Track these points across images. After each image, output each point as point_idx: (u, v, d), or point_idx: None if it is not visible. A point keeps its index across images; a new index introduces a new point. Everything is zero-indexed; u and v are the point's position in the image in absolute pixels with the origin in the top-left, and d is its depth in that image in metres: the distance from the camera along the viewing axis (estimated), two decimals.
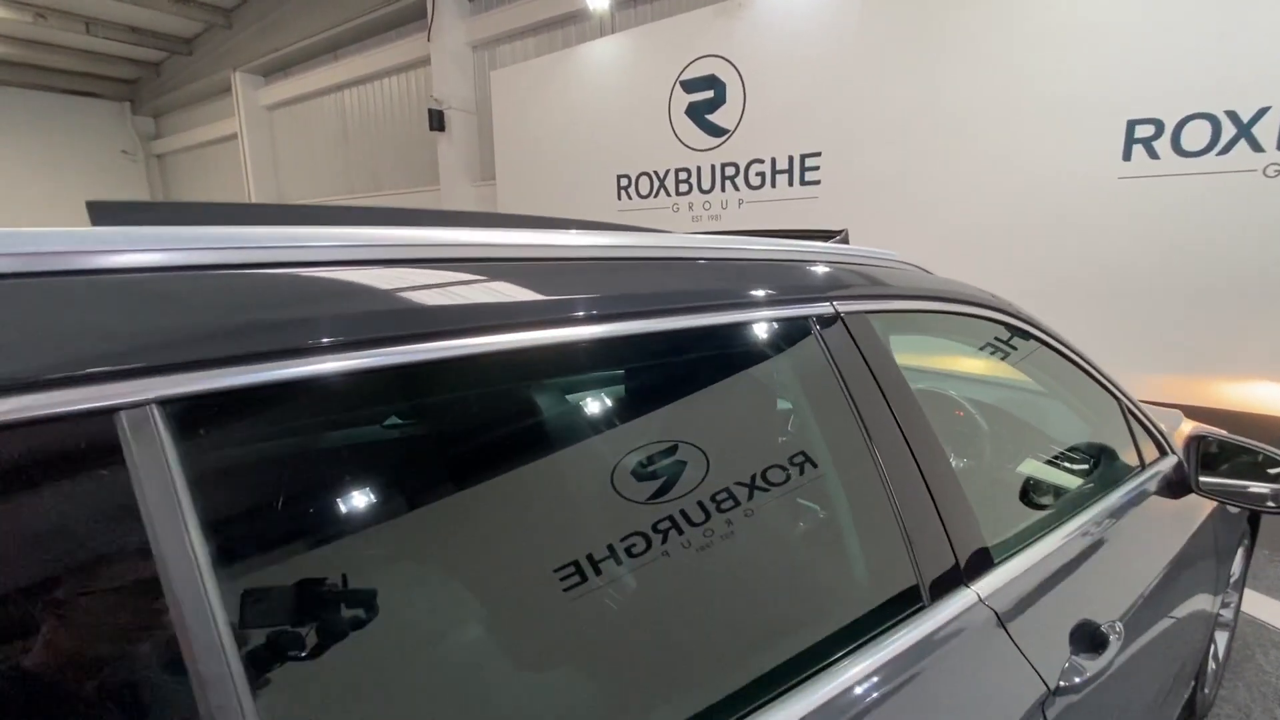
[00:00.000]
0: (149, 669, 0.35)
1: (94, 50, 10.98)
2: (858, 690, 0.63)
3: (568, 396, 0.76)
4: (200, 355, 0.38)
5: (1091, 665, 0.80)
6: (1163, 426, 1.38)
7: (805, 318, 0.76)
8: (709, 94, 5.33)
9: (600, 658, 0.62)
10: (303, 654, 0.44)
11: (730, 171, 5.35)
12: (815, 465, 0.77)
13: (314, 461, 0.53)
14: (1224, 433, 1.66)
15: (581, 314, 0.58)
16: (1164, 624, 1.10)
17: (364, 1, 7.93)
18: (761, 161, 5.16)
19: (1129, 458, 1.27)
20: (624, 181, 6.07)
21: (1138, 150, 3.63)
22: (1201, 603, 1.31)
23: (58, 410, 0.33)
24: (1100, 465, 1.27)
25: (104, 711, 0.34)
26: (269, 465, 0.48)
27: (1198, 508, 1.34)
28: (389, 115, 8.76)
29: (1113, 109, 3.66)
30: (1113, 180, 3.72)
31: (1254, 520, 1.79)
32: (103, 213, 0.47)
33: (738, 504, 0.68)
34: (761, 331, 0.75)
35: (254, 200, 10.72)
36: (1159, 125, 3.55)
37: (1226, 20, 3.32)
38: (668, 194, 5.78)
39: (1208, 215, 3.49)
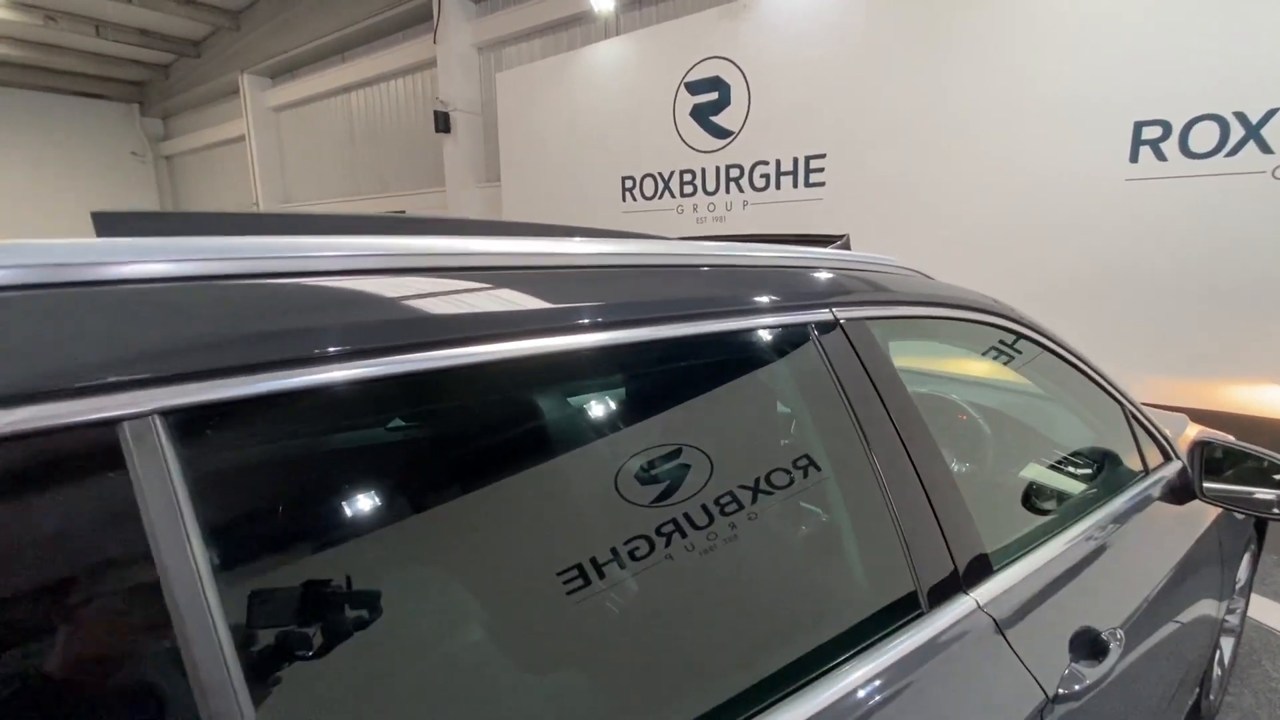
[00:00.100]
0: (153, 682, 0.36)
1: (103, 53, 11.08)
2: (855, 697, 0.63)
3: (569, 402, 0.76)
4: (201, 366, 0.39)
5: (1091, 673, 0.80)
6: (1167, 431, 1.37)
7: (804, 324, 0.76)
8: (713, 96, 5.34)
9: (600, 661, 0.63)
10: (307, 667, 0.45)
11: (735, 173, 5.35)
12: (814, 472, 0.77)
13: (316, 471, 0.53)
14: (1230, 438, 1.64)
15: (581, 322, 0.58)
16: (1166, 630, 1.09)
17: (370, 4, 7.97)
18: (766, 163, 5.16)
19: (1132, 463, 1.27)
20: (629, 183, 6.08)
21: (1145, 152, 3.61)
22: (1206, 609, 1.30)
23: (62, 420, 0.34)
24: (1103, 471, 1.26)
25: None
26: (272, 475, 0.48)
27: (1202, 513, 1.33)
28: (395, 117, 8.81)
29: (1119, 110, 3.64)
30: (1120, 182, 3.70)
31: (1260, 526, 1.77)
32: (108, 223, 0.48)
33: (732, 513, 0.69)
34: (761, 338, 0.75)
35: (260, 201, 10.79)
36: (1166, 127, 3.53)
37: (1234, 21, 3.31)
38: (672, 195, 5.78)
39: (1216, 217, 3.47)
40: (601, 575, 0.59)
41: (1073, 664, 0.81)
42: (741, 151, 5.28)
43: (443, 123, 7.29)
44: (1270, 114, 3.27)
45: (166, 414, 0.37)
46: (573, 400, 0.76)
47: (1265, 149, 3.31)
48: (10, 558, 0.33)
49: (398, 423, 0.57)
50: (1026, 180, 3.99)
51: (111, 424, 0.35)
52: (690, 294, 0.70)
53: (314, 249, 0.48)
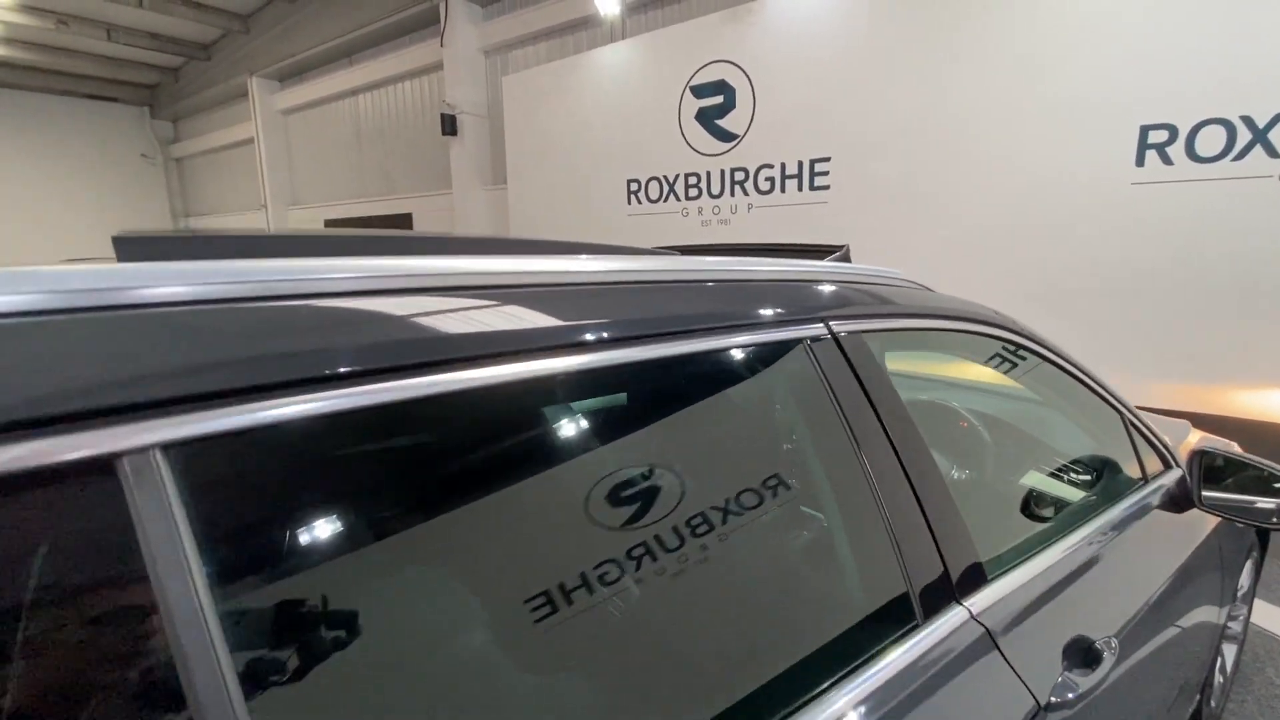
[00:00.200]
0: None
1: (115, 56, 11.19)
2: (845, 707, 0.64)
3: (567, 419, 0.76)
4: (205, 390, 0.39)
5: (1084, 681, 0.81)
6: (1167, 439, 1.38)
7: (799, 339, 0.77)
8: (719, 99, 5.35)
9: (592, 676, 0.62)
10: (313, 707, 0.45)
11: (740, 176, 5.36)
12: (809, 485, 0.79)
13: (307, 498, 0.49)
14: (1230, 445, 1.65)
15: (572, 340, 0.58)
16: (1164, 638, 1.10)
17: (378, 8, 8.03)
18: (771, 167, 5.16)
19: (1131, 471, 1.27)
20: (634, 186, 6.09)
21: (1151, 156, 3.60)
22: (1206, 616, 1.30)
23: (65, 449, 0.34)
24: (1102, 479, 1.27)
25: None
26: (267, 502, 0.47)
27: (1202, 521, 1.33)
28: (402, 120, 8.86)
29: (1125, 114, 3.63)
30: (1125, 186, 3.69)
31: (1263, 533, 1.77)
32: (129, 247, 0.49)
33: (726, 528, 0.69)
34: (755, 352, 0.76)
35: (268, 202, 10.86)
36: (1172, 131, 3.52)
37: (1240, 25, 3.29)
38: (677, 199, 5.80)
39: (1222, 222, 3.45)
40: (591, 591, 0.59)
41: (1065, 672, 0.82)
42: (746, 155, 5.29)
43: (449, 125, 7.33)
44: (1277, 118, 3.25)
45: (167, 448, 0.37)
46: (565, 418, 0.76)
47: (1273, 153, 3.29)
48: (15, 562, 0.33)
49: (400, 446, 0.55)
50: (1031, 183, 3.98)
51: (114, 458, 0.35)
52: (684, 310, 0.70)
53: (294, 273, 0.48)
